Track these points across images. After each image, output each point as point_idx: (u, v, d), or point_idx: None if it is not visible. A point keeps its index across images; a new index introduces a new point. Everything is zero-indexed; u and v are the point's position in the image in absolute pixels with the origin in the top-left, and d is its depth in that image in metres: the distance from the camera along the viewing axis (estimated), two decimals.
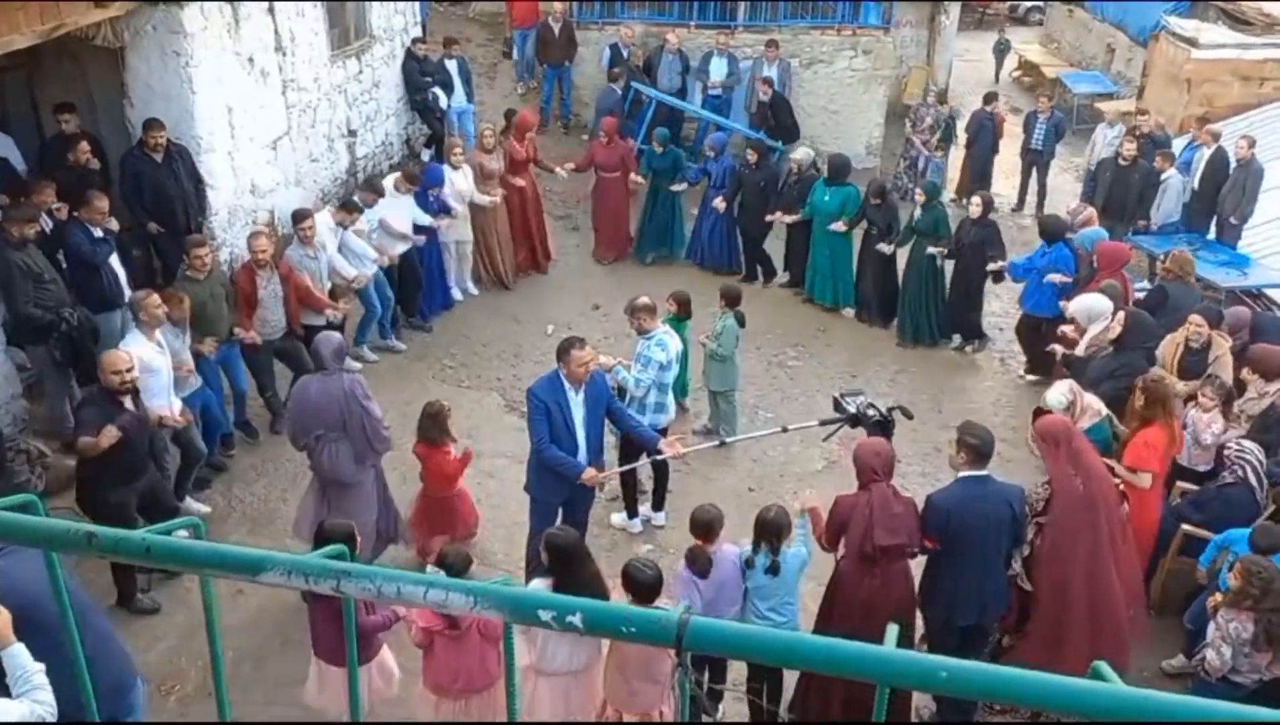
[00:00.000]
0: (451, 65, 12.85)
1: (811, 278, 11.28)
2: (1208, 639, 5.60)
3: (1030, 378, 9.97)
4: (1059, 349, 8.30)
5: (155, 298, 6.80)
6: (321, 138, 10.96)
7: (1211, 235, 11.20)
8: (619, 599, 5.06)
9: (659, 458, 6.95)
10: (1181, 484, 7.06)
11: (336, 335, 7.12)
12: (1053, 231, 9.49)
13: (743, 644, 1.37)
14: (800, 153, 11.37)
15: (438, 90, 12.59)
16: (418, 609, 4.88)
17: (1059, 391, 6.73)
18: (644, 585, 4.95)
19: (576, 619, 1.36)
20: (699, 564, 5.46)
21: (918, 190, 10.68)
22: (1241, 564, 5.41)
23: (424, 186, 9.90)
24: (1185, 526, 6.61)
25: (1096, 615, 5.60)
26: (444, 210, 10.09)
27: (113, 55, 8.64)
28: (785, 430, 7.53)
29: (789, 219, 11.03)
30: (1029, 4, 25.23)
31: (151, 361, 6.67)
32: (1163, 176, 11.20)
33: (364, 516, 6.55)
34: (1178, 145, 12.29)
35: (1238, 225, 11.04)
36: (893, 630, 1.47)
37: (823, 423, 7.21)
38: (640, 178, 11.71)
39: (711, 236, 11.73)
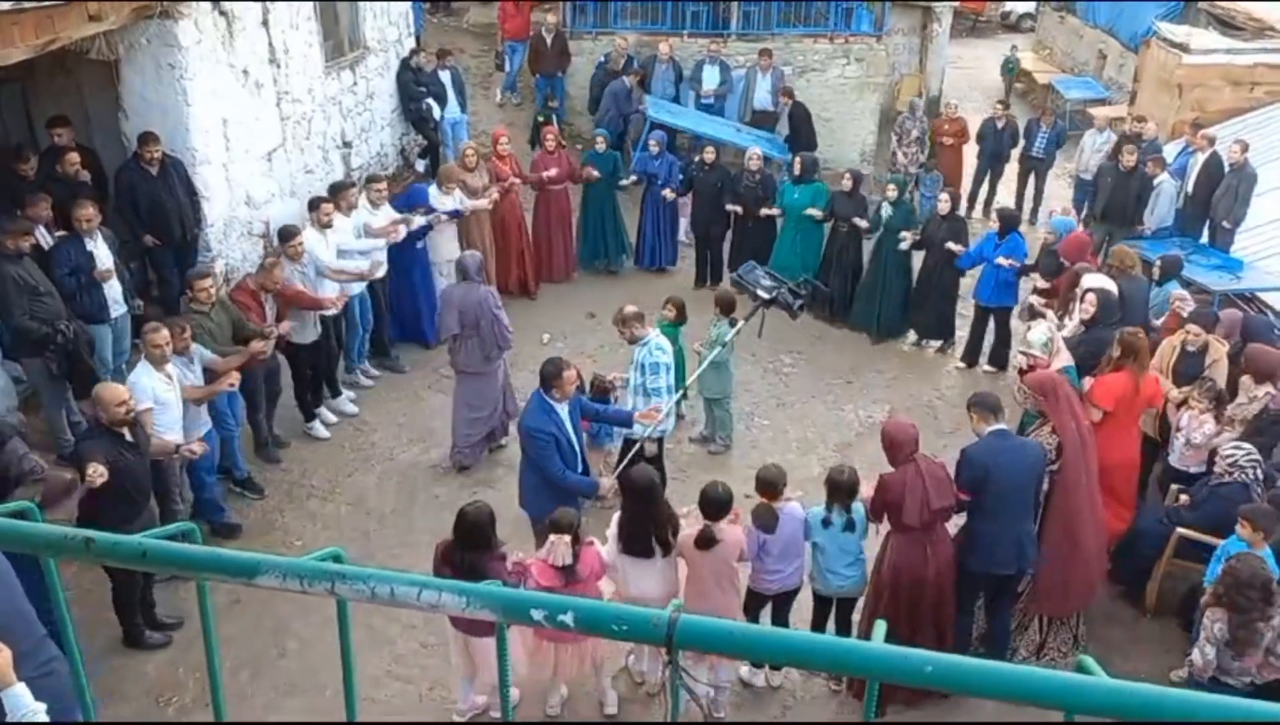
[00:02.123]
0: (445, 76, 12.86)
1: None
2: (1197, 638, 5.61)
3: (985, 369, 10.26)
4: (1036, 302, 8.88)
5: (159, 335, 6.52)
6: (316, 149, 10.98)
7: (1205, 239, 11.24)
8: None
9: (644, 435, 7.14)
10: (1176, 486, 7.09)
11: (477, 253, 8.58)
12: (1009, 222, 9.96)
13: (732, 641, 1.39)
14: (755, 149, 11.44)
15: (432, 101, 12.62)
16: (536, 569, 5.46)
17: (1040, 331, 7.00)
18: (712, 502, 5.64)
19: (568, 618, 1.38)
20: (764, 520, 5.85)
21: (889, 186, 10.75)
22: (1226, 561, 5.45)
23: (408, 206, 9.67)
24: (1180, 529, 6.63)
25: (1098, 537, 6.21)
26: (450, 214, 9.83)
27: (108, 68, 8.66)
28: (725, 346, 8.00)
29: (765, 213, 11.09)
30: (1021, 11, 25.32)
31: (161, 395, 6.49)
32: (1155, 182, 11.24)
33: (489, 404, 8.20)
34: (1172, 150, 12.34)
35: (1230, 229, 11.07)
36: (880, 626, 1.49)
37: (748, 319, 7.95)
38: (595, 172, 11.36)
39: (656, 236, 11.74)
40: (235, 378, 7.11)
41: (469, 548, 5.49)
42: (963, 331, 10.71)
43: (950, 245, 9.98)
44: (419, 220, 9.54)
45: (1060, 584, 6.21)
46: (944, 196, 10.35)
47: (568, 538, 5.46)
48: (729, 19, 14.58)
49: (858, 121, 14.74)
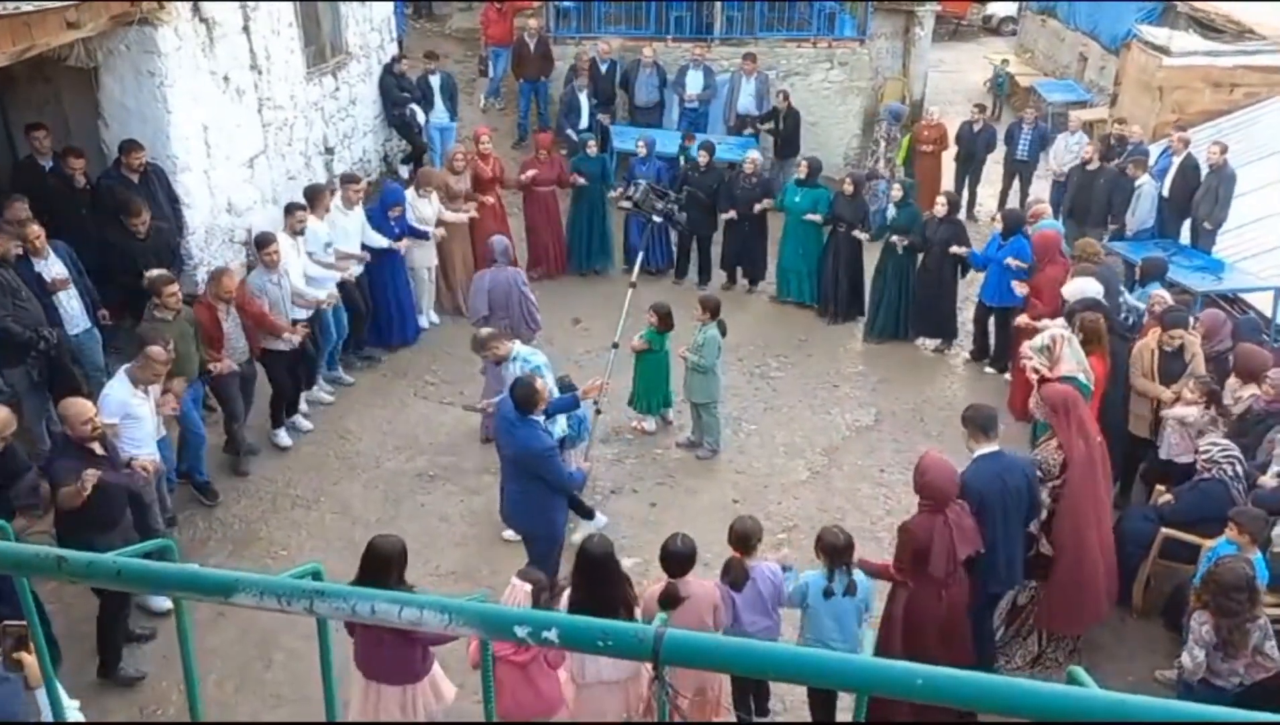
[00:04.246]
0: (434, 80, 12.85)
1: (783, 277, 11.51)
2: (1186, 642, 5.62)
3: (988, 369, 10.32)
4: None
5: (161, 356, 6.47)
6: (298, 155, 10.93)
7: (1186, 241, 11.30)
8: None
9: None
10: (1160, 486, 7.11)
11: (503, 237, 9.11)
12: (1012, 224, 10.02)
13: (719, 656, 1.37)
14: (753, 154, 11.62)
15: (415, 106, 12.60)
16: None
17: (1039, 338, 7.03)
18: (673, 557, 5.19)
19: (552, 634, 1.36)
20: (733, 576, 5.41)
21: (895, 185, 10.91)
22: (1209, 566, 5.46)
23: (382, 206, 9.64)
24: (1165, 529, 6.65)
25: (1106, 557, 6.18)
26: (412, 233, 9.80)
27: (86, 76, 8.60)
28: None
29: (761, 207, 11.24)
30: (1003, 14, 25.44)
31: (135, 409, 6.41)
32: (1137, 183, 11.30)
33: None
34: (1153, 152, 12.41)
35: (1211, 230, 11.14)
36: (869, 636, 1.47)
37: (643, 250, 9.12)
38: (581, 179, 11.41)
39: (644, 239, 11.71)
40: (173, 404, 6.95)
41: (369, 582, 4.94)
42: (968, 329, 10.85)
43: (955, 249, 10.10)
44: (380, 243, 9.43)
45: (1069, 604, 6.15)
46: (940, 200, 10.44)
47: (528, 587, 4.89)
48: (713, 24, 14.58)
49: (842, 125, 14.79)
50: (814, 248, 11.26)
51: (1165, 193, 11.40)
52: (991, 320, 10.27)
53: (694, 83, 13.54)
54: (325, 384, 9.31)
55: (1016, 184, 14.00)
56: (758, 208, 11.25)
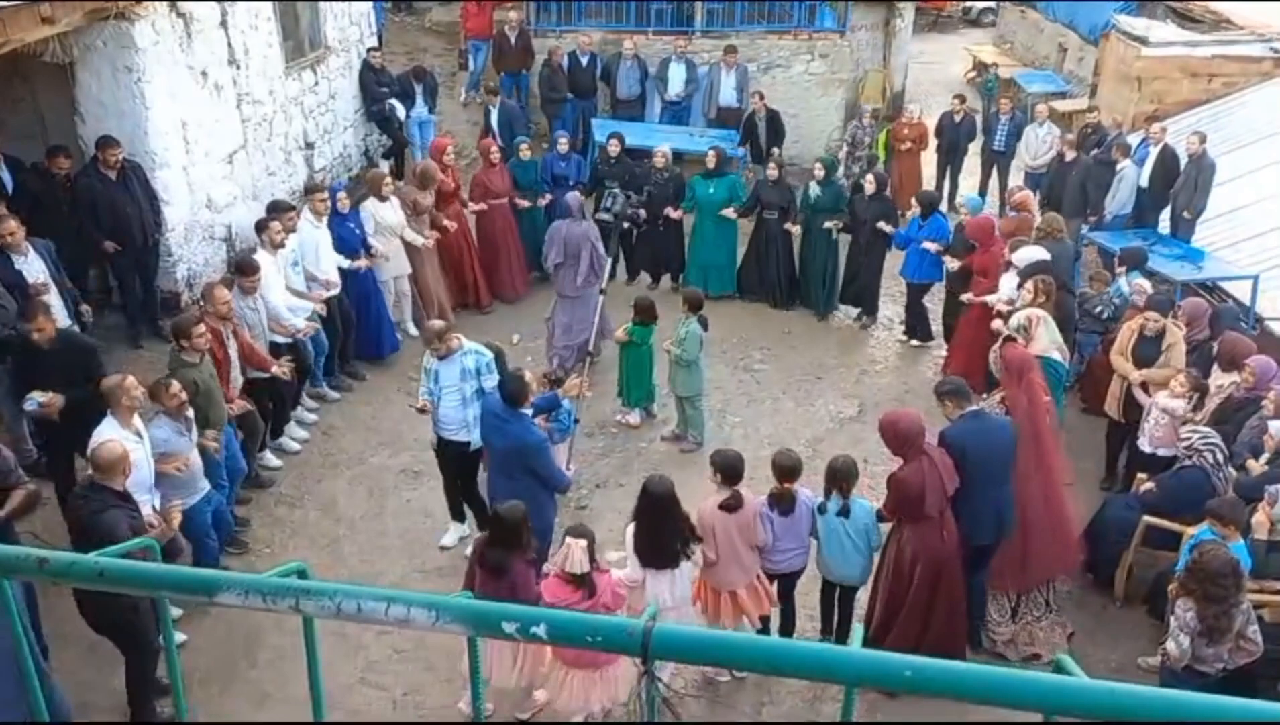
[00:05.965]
0: (418, 86, 12.81)
1: (698, 271, 11.15)
2: (1170, 629, 5.66)
3: (913, 342, 10.64)
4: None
5: (132, 379, 6.10)
6: (278, 151, 10.86)
7: (1166, 230, 11.36)
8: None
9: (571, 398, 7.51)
10: (1141, 475, 7.16)
11: (576, 194, 9.77)
12: (927, 204, 10.27)
13: (708, 649, 1.37)
14: (663, 149, 11.25)
15: (394, 101, 12.53)
16: (546, 587, 5.46)
17: (1017, 317, 7.28)
18: (733, 466, 5.96)
19: (540, 630, 1.35)
20: (782, 504, 6.05)
21: (817, 165, 10.79)
22: (1191, 553, 5.51)
23: (334, 211, 9.12)
24: (1147, 518, 6.70)
25: (1054, 514, 6.44)
26: (366, 249, 9.36)
27: (62, 72, 8.52)
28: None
29: (675, 215, 10.98)
30: (982, 6, 25.49)
31: (130, 453, 5.80)
32: (1119, 168, 11.37)
33: (582, 323, 9.21)
34: (1132, 142, 12.47)
35: (1191, 220, 11.20)
36: (858, 631, 1.47)
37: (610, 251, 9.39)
38: (526, 202, 10.97)
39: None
40: (182, 463, 6.43)
41: (499, 546, 5.48)
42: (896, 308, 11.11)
43: (881, 225, 10.27)
44: (339, 266, 9.11)
45: (1015, 561, 6.46)
46: (870, 177, 10.54)
47: (584, 542, 5.40)
48: (693, 16, 14.58)
49: (823, 117, 14.80)
50: (729, 240, 11.15)
51: (1144, 182, 11.46)
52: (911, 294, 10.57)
53: (676, 77, 13.52)
54: (308, 401, 9.03)
55: (995, 175, 14.05)
56: (673, 215, 10.93)
